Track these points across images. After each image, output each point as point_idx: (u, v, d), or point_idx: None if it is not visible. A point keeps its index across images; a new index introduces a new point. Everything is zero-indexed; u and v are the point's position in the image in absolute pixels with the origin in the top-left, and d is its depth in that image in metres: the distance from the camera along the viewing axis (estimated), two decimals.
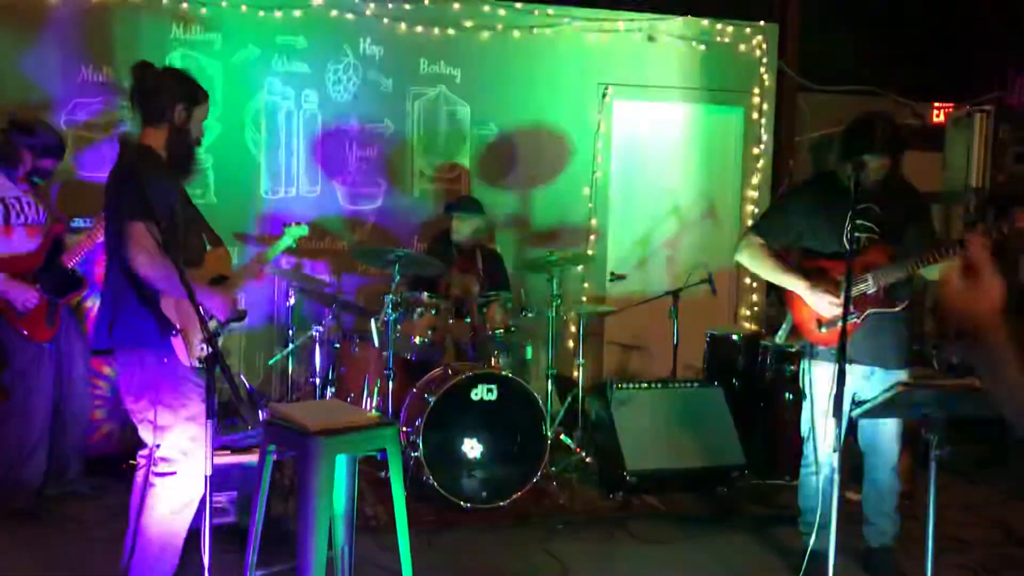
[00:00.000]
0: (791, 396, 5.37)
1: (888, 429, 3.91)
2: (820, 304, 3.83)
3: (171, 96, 3.26)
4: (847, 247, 3.78)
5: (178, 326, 3.16)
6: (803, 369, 4.07)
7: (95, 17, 5.58)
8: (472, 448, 4.79)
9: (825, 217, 3.88)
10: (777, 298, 5.80)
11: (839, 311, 3.80)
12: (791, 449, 5.09)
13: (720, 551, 4.35)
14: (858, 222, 3.76)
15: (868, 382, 3.85)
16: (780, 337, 4.24)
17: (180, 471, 3.24)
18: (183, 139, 3.30)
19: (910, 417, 3.86)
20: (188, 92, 3.30)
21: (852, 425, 3.94)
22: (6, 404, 4.43)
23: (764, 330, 6.55)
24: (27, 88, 5.47)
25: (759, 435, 5.38)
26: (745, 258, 4.09)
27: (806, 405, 4.04)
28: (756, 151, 7.08)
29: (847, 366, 3.75)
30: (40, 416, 4.43)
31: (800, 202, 4.10)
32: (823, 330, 3.87)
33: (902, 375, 3.82)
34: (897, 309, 3.82)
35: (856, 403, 3.73)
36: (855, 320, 3.78)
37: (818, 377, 3.95)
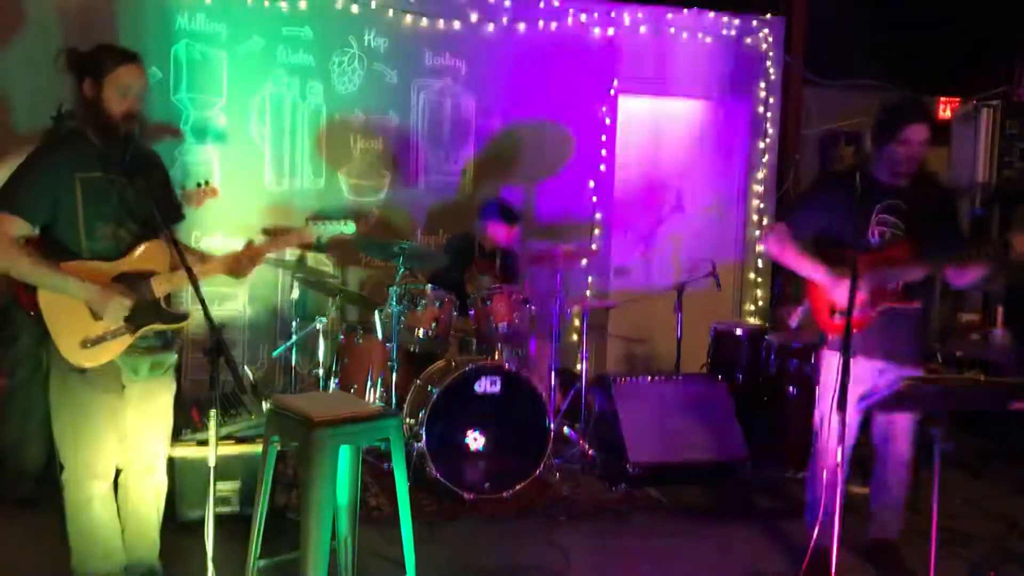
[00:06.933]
0: (795, 390, 5.37)
1: (903, 425, 3.89)
2: (838, 291, 3.82)
3: (79, 73, 3.17)
4: (871, 241, 3.78)
5: (49, 321, 3.10)
6: (817, 359, 4.07)
7: (100, 8, 5.57)
8: (475, 440, 4.79)
9: (851, 210, 3.86)
10: (784, 286, 5.79)
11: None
12: (794, 442, 5.11)
13: (723, 544, 4.35)
14: (883, 216, 3.76)
15: (882, 378, 3.83)
16: (794, 323, 4.24)
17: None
18: (97, 112, 3.16)
19: (916, 411, 3.86)
20: (93, 65, 3.16)
21: (866, 419, 3.93)
22: (12, 381, 4.45)
23: (768, 324, 6.55)
24: (32, 80, 5.46)
25: (762, 428, 5.38)
26: (770, 245, 4.08)
27: (819, 396, 4.03)
28: (762, 145, 7.07)
29: (858, 359, 3.78)
30: (42, 399, 4.43)
31: (829, 193, 4.06)
32: (837, 319, 3.87)
33: (916, 373, 3.78)
34: (914, 305, 3.80)
35: (864, 397, 3.73)
36: (868, 314, 3.78)
37: (830, 367, 3.94)
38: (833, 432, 3.90)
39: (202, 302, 2.87)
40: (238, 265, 3.39)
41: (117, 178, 3.19)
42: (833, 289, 3.84)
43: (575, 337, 6.54)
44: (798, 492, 4.22)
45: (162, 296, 3.26)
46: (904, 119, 3.74)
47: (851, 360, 3.79)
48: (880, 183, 3.79)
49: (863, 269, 3.78)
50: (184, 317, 3.36)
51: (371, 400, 5.04)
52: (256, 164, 6.00)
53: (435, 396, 4.65)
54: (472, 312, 5.27)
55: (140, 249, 3.24)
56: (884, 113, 3.85)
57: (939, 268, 3.73)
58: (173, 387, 3.46)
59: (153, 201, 3.14)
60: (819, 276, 3.89)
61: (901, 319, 3.80)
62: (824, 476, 3.98)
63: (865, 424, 3.97)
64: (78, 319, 3.11)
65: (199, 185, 4.93)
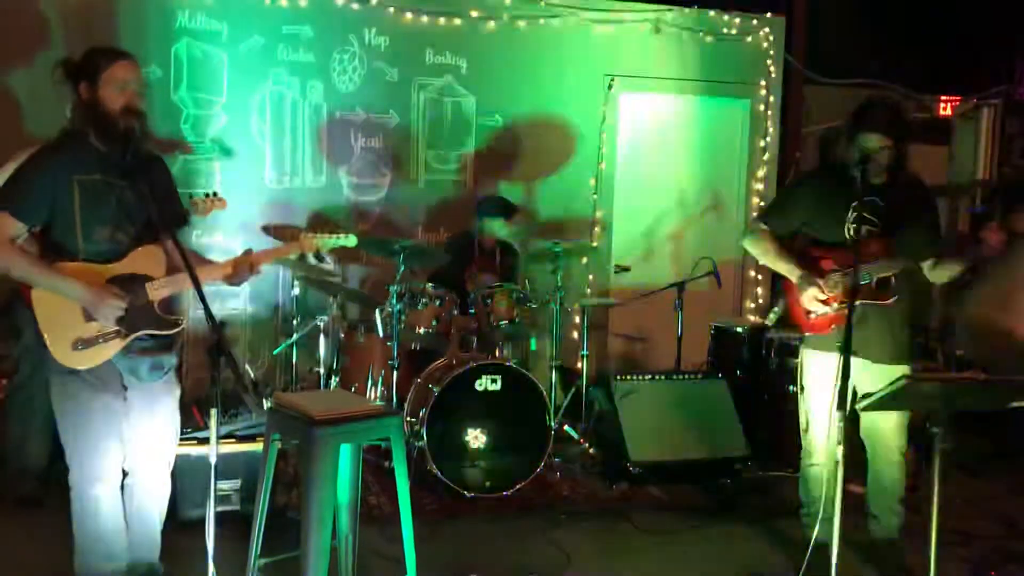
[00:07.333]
0: (794, 388, 5.36)
1: (888, 423, 3.89)
2: (806, 295, 3.85)
3: (75, 79, 3.18)
4: (847, 238, 3.80)
5: (42, 322, 3.10)
6: (799, 358, 4.08)
7: (100, 6, 5.57)
8: (476, 438, 4.80)
9: (828, 207, 3.89)
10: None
11: (821, 306, 3.84)
12: (795, 441, 5.10)
13: (723, 542, 4.36)
14: (860, 214, 3.76)
15: (861, 374, 3.83)
16: (770, 319, 4.27)
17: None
18: (96, 112, 3.16)
19: (915, 410, 3.86)
20: (87, 67, 3.17)
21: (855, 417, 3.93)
22: (15, 378, 4.46)
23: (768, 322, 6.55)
24: (51, 91, 5.45)
25: (763, 427, 5.38)
26: (749, 244, 4.13)
27: (802, 395, 4.06)
28: (762, 143, 7.07)
29: (833, 356, 3.79)
30: (45, 396, 4.44)
31: (805, 191, 4.11)
32: (812, 317, 3.89)
33: (894, 369, 3.77)
34: (888, 302, 3.80)
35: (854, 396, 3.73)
36: (830, 309, 3.81)
37: (809, 366, 3.97)
38: (822, 430, 3.93)
39: (204, 302, 2.87)
40: (236, 272, 3.38)
41: (116, 181, 3.19)
42: (800, 290, 3.86)
43: (576, 335, 6.54)
44: (798, 490, 4.22)
45: (158, 300, 3.26)
46: (858, 127, 3.75)
47: (829, 357, 3.83)
48: (858, 180, 3.78)
49: (837, 265, 3.81)
50: (177, 325, 3.35)
51: (372, 398, 5.05)
52: (257, 162, 6.00)
53: (436, 394, 4.66)
54: (473, 310, 5.28)
55: (136, 252, 3.24)
56: (849, 115, 3.87)
57: (912, 264, 3.73)
58: (177, 390, 3.46)
59: (154, 204, 3.14)
60: (792, 276, 3.93)
61: (876, 316, 3.80)
62: (814, 475, 4.00)
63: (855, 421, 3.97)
64: (70, 320, 3.11)
65: (207, 195, 4.95)
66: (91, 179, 3.16)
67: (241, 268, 3.39)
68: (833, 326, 3.86)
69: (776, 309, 4.19)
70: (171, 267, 3.29)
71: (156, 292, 3.24)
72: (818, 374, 3.93)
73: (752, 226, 4.13)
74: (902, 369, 3.79)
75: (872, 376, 3.76)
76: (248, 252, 3.47)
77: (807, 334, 3.99)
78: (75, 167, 3.15)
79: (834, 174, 3.91)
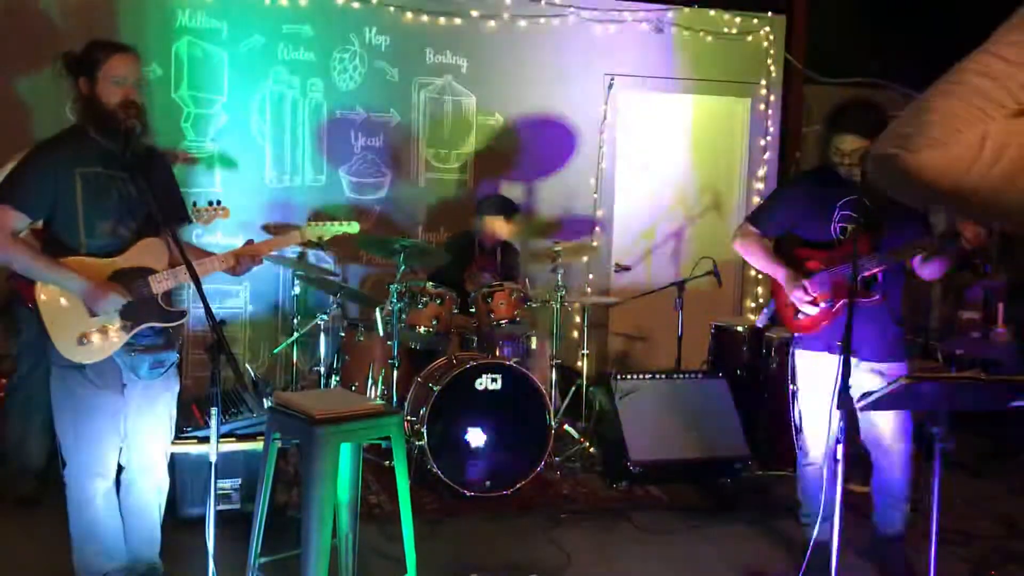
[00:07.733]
0: (794, 387, 5.36)
1: (889, 423, 3.88)
2: (794, 295, 3.85)
3: (75, 73, 3.18)
4: (834, 238, 3.81)
5: (46, 317, 3.10)
6: (790, 359, 4.09)
7: (101, 5, 5.57)
8: (476, 437, 4.79)
9: (815, 207, 3.89)
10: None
11: (809, 306, 3.84)
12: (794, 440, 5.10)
13: (723, 542, 4.35)
14: (845, 212, 3.77)
15: (853, 373, 3.81)
16: (760, 321, 4.27)
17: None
18: (95, 106, 3.16)
19: (915, 409, 3.85)
20: (86, 62, 3.17)
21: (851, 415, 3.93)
22: (14, 376, 4.47)
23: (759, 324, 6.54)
24: (33, 79, 5.46)
25: (763, 426, 5.38)
26: (739, 246, 4.11)
27: (795, 396, 4.06)
28: (762, 142, 7.07)
29: (823, 356, 3.79)
30: (44, 395, 4.44)
31: (793, 192, 4.14)
32: (800, 317, 3.90)
33: (883, 367, 3.78)
34: (874, 300, 3.80)
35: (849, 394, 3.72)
36: (817, 309, 3.82)
37: (800, 366, 3.97)
38: (816, 430, 3.92)
39: (203, 299, 2.87)
40: (237, 263, 3.39)
41: (117, 174, 3.20)
42: (788, 291, 3.87)
43: (576, 334, 6.54)
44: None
45: (160, 294, 3.26)
46: (832, 128, 3.76)
47: (819, 356, 3.83)
48: (844, 179, 3.78)
49: (822, 264, 3.81)
50: (181, 315, 3.36)
51: (372, 397, 5.04)
52: (257, 161, 6.00)
53: (436, 393, 4.66)
54: (473, 309, 5.28)
55: (138, 246, 3.24)
56: (825, 116, 3.85)
57: (896, 261, 3.73)
58: (175, 387, 3.46)
59: (154, 198, 3.14)
60: (778, 277, 3.93)
61: (862, 314, 3.78)
62: (810, 475, 4.00)
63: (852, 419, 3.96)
64: (75, 315, 3.12)
65: (210, 204, 4.96)
66: (93, 172, 3.17)
67: (243, 259, 3.40)
68: (822, 325, 3.86)
69: (766, 310, 4.19)
70: (173, 260, 3.29)
71: (159, 285, 3.25)
72: (809, 374, 3.93)
73: (741, 228, 4.12)
74: (886, 366, 3.80)
75: (862, 375, 3.76)
76: (250, 242, 3.48)
77: (797, 334, 3.99)
78: (77, 161, 3.15)
79: (823, 174, 3.92)
